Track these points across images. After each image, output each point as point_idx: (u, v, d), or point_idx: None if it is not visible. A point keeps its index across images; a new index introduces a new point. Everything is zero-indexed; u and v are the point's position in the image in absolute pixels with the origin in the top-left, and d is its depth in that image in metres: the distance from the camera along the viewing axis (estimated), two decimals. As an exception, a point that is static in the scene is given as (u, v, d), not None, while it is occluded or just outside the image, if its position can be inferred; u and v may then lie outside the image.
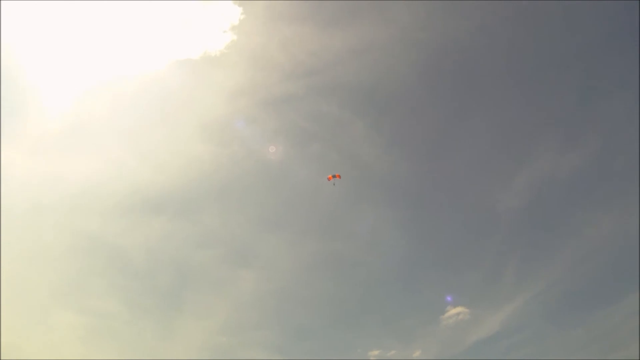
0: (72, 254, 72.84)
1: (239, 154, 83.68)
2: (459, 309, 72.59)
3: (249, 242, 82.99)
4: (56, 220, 72.98)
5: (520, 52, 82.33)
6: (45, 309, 67.85)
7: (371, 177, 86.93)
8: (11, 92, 71.83)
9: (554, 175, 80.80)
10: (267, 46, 79.20)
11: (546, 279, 73.18)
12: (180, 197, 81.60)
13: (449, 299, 74.71)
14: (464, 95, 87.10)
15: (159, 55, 76.19)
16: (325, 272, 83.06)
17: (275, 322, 77.85)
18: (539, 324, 71.59)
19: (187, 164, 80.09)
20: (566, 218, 78.51)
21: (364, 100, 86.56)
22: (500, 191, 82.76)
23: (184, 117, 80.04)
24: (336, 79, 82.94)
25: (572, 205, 79.15)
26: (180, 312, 74.70)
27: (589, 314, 70.19)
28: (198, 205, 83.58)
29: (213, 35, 74.85)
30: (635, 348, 58.95)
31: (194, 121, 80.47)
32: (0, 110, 69.16)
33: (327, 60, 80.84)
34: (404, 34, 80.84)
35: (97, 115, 78.48)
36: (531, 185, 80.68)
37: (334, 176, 59.07)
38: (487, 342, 71.11)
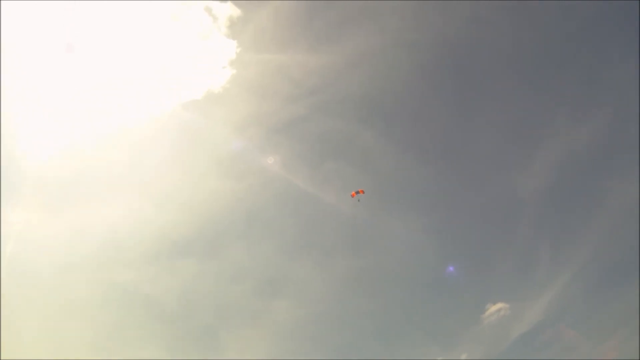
0: (106, 308, 72.38)
1: (255, 184, 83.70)
2: (499, 305, 72.14)
3: (279, 270, 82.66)
4: (86, 277, 72.45)
5: (519, 34, 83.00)
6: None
7: (388, 185, 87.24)
8: (13, 148, 72.12)
9: (571, 150, 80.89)
10: (265, 74, 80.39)
11: (581, 256, 72.90)
12: (204, 236, 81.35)
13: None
14: (469, 89, 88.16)
15: (164, 100, 77.01)
16: (358, 289, 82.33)
17: (316, 346, 76.54)
18: (582, 304, 71.22)
19: (206, 202, 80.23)
20: (590, 191, 78.64)
21: (368, 110, 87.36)
22: (520, 176, 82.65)
23: (196, 156, 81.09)
24: (338, 94, 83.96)
25: (593, 177, 79.35)
26: (220, 350, 73.55)
27: (630, 285, 68.80)
28: (223, 242, 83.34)
29: (213, 73, 76.34)
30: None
31: (206, 159, 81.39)
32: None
33: (326, 77, 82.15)
34: (398, 37, 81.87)
35: (104, 165, 78.69)
36: (550, 165, 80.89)
37: (357, 192, 58.78)
38: (530, 333, 70.66)
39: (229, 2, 76.47)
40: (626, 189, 73.82)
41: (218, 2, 76.18)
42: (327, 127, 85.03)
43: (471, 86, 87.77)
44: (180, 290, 77.43)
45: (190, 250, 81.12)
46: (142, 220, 76.75)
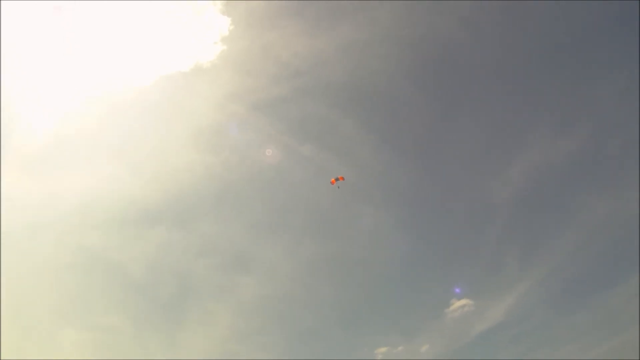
0: (72, 271, 72.81)
1: (231, 160, 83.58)
2: (463, 302, 72.95)
3: (248, 247, 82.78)
4: (53, 239, 72.90)
5: (507, 41, 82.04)
6: (49, 328, 68.15)
7: (365, 175, 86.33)
8: None
9: (548, 162, 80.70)
10: (253, 51, 79.24)
11: (547, 265, 73.48)
12: (175, 207, 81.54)
13: (457, 290, 75.15)
14: (452, 89, 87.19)
15: (149, 69, 76.07)
16: (326, 274, 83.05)
17: (279, 326, 78.09)
18: (542, 311, 71.89)
19: (180, 174, 79.81)
20: (563, 204, 78.78)
21: (351, 99, 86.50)
22: (496, 182, 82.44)
23: (175, 127, 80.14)
24: (322, 79, 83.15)
25: (568, 191, 79.14)
26: (183, 322, 74.83)
27: (590, 298, 70.65)
28: (194, 214, 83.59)
29: (204, 47, 75.09)
30: (636, 330, 59.48)
31: (185, 131, 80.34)
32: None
33: (313, 62, 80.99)
34: (387, 31, 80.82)
35: (87, 130, 78.50)
36: (526, 173, 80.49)
37: (337, 179, 58.36)
38: (491, 332, 71.34)
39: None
40: (597, 206, 74.58)
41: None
42: (309, 110, 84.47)
43: (455, 87, 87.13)
44: (147, 259, 77.74)
45: (160, 220, 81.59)
46: (114, 186, 76.34)
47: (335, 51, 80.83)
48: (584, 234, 73.39)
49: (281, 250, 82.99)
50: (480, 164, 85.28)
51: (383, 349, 71.62)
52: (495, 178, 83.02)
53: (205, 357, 70.28)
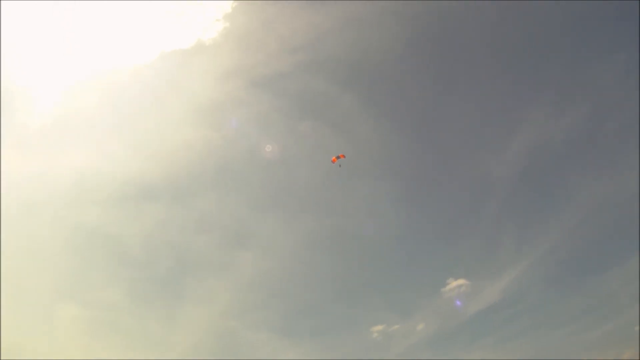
0: (70, 248, 73.16)
1: (230, 136, 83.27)
2: (460, 281, 72.73)
3: (246, 223, 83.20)
4: (52, 215, 73.20)
5: (506, 17, 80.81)
6: (47, 304, 68.52)
7: (364, 150, 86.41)
8: None
9: (547, 140, 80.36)
10: (253, 28, 78.15)
11: (544, 245, 73.36)
12: (174, 184, 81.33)
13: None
14: (452, 64, 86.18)
15: (151, 47, 75.47)
16: (323, 249, 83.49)
17: (277, 301, 78.64)
18: (539, 291, 72.25)
19: (179, 150, 79.74)
20: (561, 183, 78.36)
21: (351, 74, 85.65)
22: (494, 159, 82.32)
23: (175, 104, 79.69)
24: (321, 54, 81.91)
25: (566, 169, 78.88)
26: (182, 298, 75.44)
27: (588, 279, 70.63)
28: (192, 190, 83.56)
29: (206, 25, 74.16)
30: (635, 312, 59.44)
31: (184, 108, 79.96)
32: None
33: (312, 37, 79.77)
34: (386, 5, 79.36)
35: (86, 108, 78.10)
36: (524, 151, 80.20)
37: (338, 157, 57.76)
38: (487, 312, 71.88)
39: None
40: (595, 186, 74.13)
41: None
42: (308, 85, 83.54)
43: (455, 63, 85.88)
44: (145, 236, 78.03)
45: (158, 196, 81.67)
46: (112, 163, 76.54)
47: (334, 26, 79.67)
48: (582, 214, 73.29)
49: (279, 226, 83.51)
50: (479, 140, 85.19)
51: (379, 327, 72.19)
52: (493, 155, 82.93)
53: (203, 332, 71.31)
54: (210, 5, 72.81)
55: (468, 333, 71.34)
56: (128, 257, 76.09)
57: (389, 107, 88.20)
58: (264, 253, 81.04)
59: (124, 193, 77.59)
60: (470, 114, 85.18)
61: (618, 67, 74.16)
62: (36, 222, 71.75)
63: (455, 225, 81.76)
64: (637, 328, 58.83)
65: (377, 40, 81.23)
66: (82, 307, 69.54)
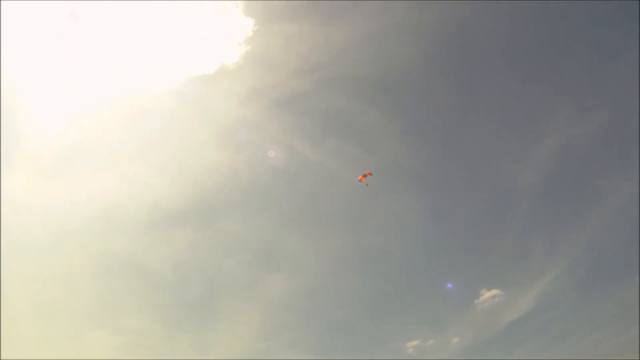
0: (101, 276, 73.34)
1: (255, 157, 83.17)
2: (493, 292, 72.22)
3: (274, 243, 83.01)
4: (82, 244, 73.18)
5: (522, 24, 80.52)
6: (79, 332, 68.56)
7: (389, 165, 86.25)
8: (12, 113, 71.64)
9: (570, 145, 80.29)
10: (274, 49, 78.38)
11: (574, 250, 73.14)
12: (201, 207, 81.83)
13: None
14: (473, 75, 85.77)
15: (175, 72, 75.10)
16: (353, 266, 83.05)
17: (308, 321, 78.23)
18: (571, 297, 71.64)
19: (205, 173, 79.85)
20: (588, 186, 77.94)
21: (372, 89, 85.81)
22: (519, 167, 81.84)
23: (198, 128, 79.86)
24: (342, 71, 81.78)
25: (591, 173, 78.64)
26: (213, 321, 75.20)
27: (619, 283, 69.59)
28: (219, 213, 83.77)
29: (228, 49, 74.26)
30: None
31: (208, 131, 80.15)
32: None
33: (332, 54, 80.00)
34: (404, 18, 79.21)
35: (111, 134, 78.41)
36: (549, 157, 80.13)
37: (364, 176, 57.69)
38: (520, 321, 71.14)
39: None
40: (623, 187, 73.49)
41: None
42: (331, 103, 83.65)
43: (475, 73, 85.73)
44: (175, 260, 78.10)
45: (185, 221, 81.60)
46: (139, 189, 76.61)
47: (353, 42, 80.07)
48: (611, 217, 72.97)
49: (308, 244, 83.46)
50: (503, 149, 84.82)
51: (414, 342, 71.55)
52: (518, 163, 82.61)
53: (236, 355, 70.69)
54: (233, 30, 73.27)
55: (503, 343, 70.68)
56: (158, 282, 76.28)
57: (411, 121, 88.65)
58: (294, 272, 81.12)
59: (152, 219, 77.95)
60: (492, 124, 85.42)
61: (636, 65, 73.99)
62: (65, 251, 71.71)
63: (484, 235, 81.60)
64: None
65: (397, 54, 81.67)
66: (113, 334, 69.63)
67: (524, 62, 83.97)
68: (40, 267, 68.61)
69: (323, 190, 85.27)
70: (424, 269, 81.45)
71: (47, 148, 74.42)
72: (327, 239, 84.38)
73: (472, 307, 73.76)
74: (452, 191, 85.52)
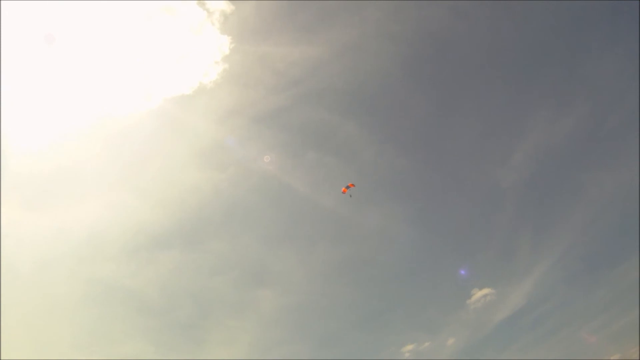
0: (88, 303, 71.82)
1: (237, 175, 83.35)
2: (485, 291, 72.75)
3: (261, 260, 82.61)
4: (66, 272, 71.89)
5: (500, 28, 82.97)
6: (68, 360, 67.11)
7: (370, 175, 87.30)
8: None
9: (551, 142, 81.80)
10: (250, 66, 79.30)
11: (561, 245, 74.06)
12: (185, 228, 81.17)
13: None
14: (450, 81, 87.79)
15: (152, 93, 75.32)
16: (342, 277, 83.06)
17: (301, 335, 77.94)
18: (562, 290, 72.36)
19: (187, 194, 79.91)
20: (570, 183, 79.40)
21: (350, 100, 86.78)
22: (501, 168, 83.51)
23: (179, 149, 79.83)
24: (319, 85, 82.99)
25: (573, 169, 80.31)
26: (205, 342, 73.94)
27: (608, 272, 71.05)
28: (205, 233, 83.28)
29: (206, 68, 74.69)
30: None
31: (189, 151, 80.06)
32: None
33: (308, 69, 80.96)
34: (378, 29, 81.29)
35: (89, 159, 77.20)
36: (530, 156, 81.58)
37: (347, 187, 57.67)
38: (514, 317, 71.66)
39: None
40: (603, 181, 75.73)
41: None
42: (308, 117, 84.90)
43: (452, 78, 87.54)
44: (163, 284, 77.36)
45: (171, 243, 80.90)
46: (123, 214, 75.89)
47: (329, 55, 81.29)
48: (594, 210, 74.71)
49: (295, 259, 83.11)
50: (483, 152, 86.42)
51: (410, 347, 71.28)
52: (500, 164, 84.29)
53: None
54: (210, 48, 73.78)
55: (498, 340, 71.27)
56: (147, 307, 75.32)
57: (391, 130, 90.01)
58: (282, 288, 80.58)
59: (136, 243, 77.14)
60: (472, 128, 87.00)
61: (616, 62, 76.36)
62: (49, 280, 70.34)
63: (471, 236, 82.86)
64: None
65: (374, 64, 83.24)
66: (104, 360, 68.33)
67: (501, 63, 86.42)
68: (26, 296, 67.27)
69: (306, 204, 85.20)
70: (413, 274, 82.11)
71: (27, 173, 73.16)
72: (315, 252, 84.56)
73: (465, 307, 74.21)
74: (436, 196, 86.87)
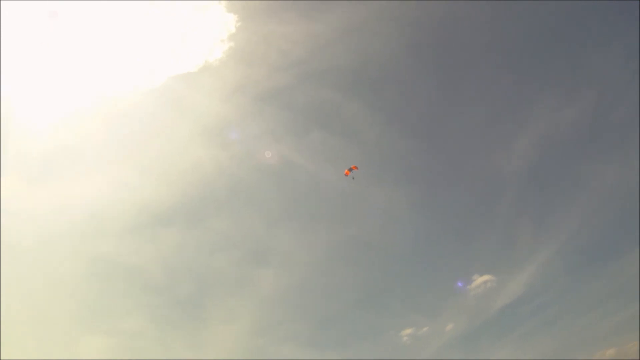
0: (90, 280, 72.45)
1: (240, 154, 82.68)
2: (485, 277, 72.94)
3: (263, 239, 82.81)
4: (69, 249, 72.30)
5: (504, 13, 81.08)
6: (72, 337, 67.58)
7: (373, 156, 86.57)
8: None
9: (554, 132, 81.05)
10: (255, 44, 78.26)
11: (563, 234, 73.96)
12: (188, 206, 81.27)
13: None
14: (454, 64, 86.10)
15: (158, 71, 74.43)
16: (344, 259, 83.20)
17: (301, 314, 78.58)
18: (562, 280, 72.71)
19: (190, 172, 79.32)
20: (572, 172, 79.08)
21: (354, 80, 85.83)
22: (504, 155, 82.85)
23: (183, 126, 79.30)
24: (324, 64, 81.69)
25: (576, 159, 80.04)
26: (206, 319, 74.85)
27: (608, 264, 71.09)
28: (207, 211, 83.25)
29: (212, 46, 74.01)
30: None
31: (192, 129, 79.72)
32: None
33: (313, 47, 79.59)
34: (384, 11, 79.43)
35: (94, 136, 77.48)
36: (533, 145, 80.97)
37: (350, 170, 57.35)
38: (514, 305, 72.08)
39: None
40: (606, 172, 75.21)
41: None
42: (313, 96, 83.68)
43: (458, 63, 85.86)
44: (164, 261, 77.51)
45: (173, 221, 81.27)
46: (126, 191, 75.79)
47: (334, 35, 79.52)
48: (596, 201, 74.29)
49: (297, 239, 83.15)
50: (487, 138, 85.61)
51: (408, 330, 72.00)
52: (503, 151, 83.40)
53: (232, 352, 70.56)
54: (216, 27, 72.87)
55: (497, 327, 71.75)
56: (148, 284, 75.73)
57: (395, 112, 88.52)
58: (284, 267, 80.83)
59: (139, 220, 77.27)
60: (476, 113, 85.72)
61: (620, 53, 75.15)
62: (53, 255, 71.08)
63: (474, 222, 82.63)
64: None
65: (378, 46, 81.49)
66: (106, 336, 68.87)
67: (506, 51, 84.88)
68: (28, 273, 67.97)
69: (309, 184, 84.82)
70: (414, 259, 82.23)
71: (30, 151, 73.44)
72: (317, 233, 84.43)
73: (465, 293, 74.38)
74: (439, 180, 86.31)
